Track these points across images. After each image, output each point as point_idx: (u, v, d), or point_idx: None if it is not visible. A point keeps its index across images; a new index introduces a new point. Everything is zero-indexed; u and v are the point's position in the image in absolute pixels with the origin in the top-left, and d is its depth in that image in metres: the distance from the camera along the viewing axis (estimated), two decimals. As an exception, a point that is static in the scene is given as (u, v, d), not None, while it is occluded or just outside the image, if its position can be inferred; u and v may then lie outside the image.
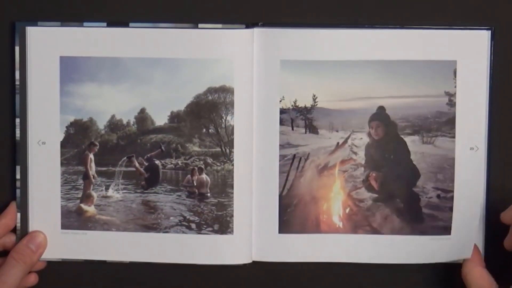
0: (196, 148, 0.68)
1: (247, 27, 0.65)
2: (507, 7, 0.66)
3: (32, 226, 0.67)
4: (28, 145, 0.66)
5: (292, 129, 0.67)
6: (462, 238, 0.67)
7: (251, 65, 0.65)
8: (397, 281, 0.69)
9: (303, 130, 0.67)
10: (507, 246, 0.64)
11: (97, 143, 0.67)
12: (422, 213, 0.67)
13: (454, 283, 0.68)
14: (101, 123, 0.67)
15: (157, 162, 0.68)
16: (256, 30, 0.65)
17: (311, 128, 0.67)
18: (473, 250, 0.66)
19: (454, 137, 0.66)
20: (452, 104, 0.66)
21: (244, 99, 0.66)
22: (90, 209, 0.68)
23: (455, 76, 0.65)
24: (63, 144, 0.67)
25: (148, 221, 0.67)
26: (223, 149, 0.67)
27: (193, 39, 0.65)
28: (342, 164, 0.67)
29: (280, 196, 0.67)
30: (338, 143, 0.67)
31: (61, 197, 0.67)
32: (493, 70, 0.66)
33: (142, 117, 0.67)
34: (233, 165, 0.66)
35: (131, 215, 0.68)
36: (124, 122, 0.67)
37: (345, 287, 0.68)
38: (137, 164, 0.68)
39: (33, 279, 0.67)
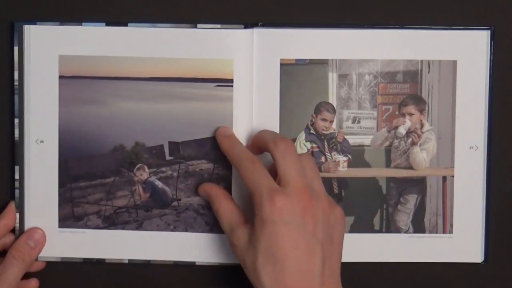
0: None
1: (246, 27, 0.65)
2: (507, 7, 0.66)
3: (30, 225, 0.67)
4: (26, 144, 0.66)
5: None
6: (464, 238, 0.67)
7: (251, 66, 0.65)
8: (398, 281, 0.68)
9: (303, 130, 0.67)
10: None
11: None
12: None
13: (454, 282, 0.68)
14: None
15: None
16: (256, 30, 0.65)
17: (311, 128, 0.68)
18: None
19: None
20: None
21: (243, 99, 0.66)
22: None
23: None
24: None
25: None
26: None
27: (192, 39, 0.65)
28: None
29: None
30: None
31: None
32: (492, 70, 0.65)
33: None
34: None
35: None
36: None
37: (345, 286, 0.68)
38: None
39: (34, 284, 0.67)
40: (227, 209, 0.62)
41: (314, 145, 0.67)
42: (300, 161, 0.59)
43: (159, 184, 0.67)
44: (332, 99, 0.66)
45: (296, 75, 0.66)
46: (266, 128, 0.65)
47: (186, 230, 0.67)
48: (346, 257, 0.67)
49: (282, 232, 0.56)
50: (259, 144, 0.62)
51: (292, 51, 0.66)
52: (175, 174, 0.67)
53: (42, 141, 0.66)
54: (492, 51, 0.65)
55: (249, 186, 0.59)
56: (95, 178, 0.67)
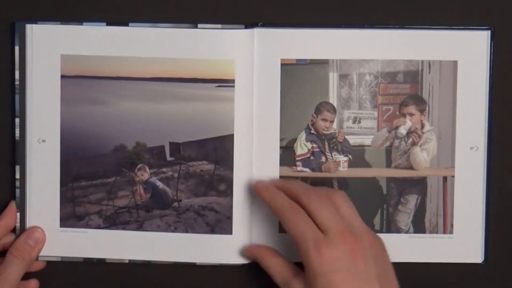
0: (196, 148, 0.68)
1: (247, 27, 0.65)
2: (507, 7, 0.66)
3: (31, 224, 0.67)
4: (28, 143, 0.66)
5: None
6: (464, 238, 0.67)
7: (252, 66, 0.66)
8: (398, 281, 0.68)
9: (303, 130, 0.68)
10: None
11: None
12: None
13: (454, 282, 0.68)
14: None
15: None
16: (256, 30, 0.65)
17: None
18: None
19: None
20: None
21: (244, 99, 0.66)
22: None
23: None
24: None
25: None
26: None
27: (192, 39, 0.65)
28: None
29: (280, 196, 0.67)
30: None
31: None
32: (493, 70, 0.66)
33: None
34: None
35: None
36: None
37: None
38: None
39: (34, 285, 0.67)
40: (278, 264, 0.63)
41: (315, 145, 0.67)
42: (334, 204, 0.60)
43: (160, 184, 0.67)
44: (333, 99, 0.67)
45: (296, 75, 0.66)
46: (266, 129, 0.66)
47: (187, 231, 0.67)
48: (347, 257, 0.67)
49: (336, 281, 0.56)
50: (290, 195, 0.62)
51: (293, 51, 0.66)
52: (175, 175, 0.67)
53: (44, 140, 0.67)
54: (492, 51, 0.66)
55: (293, 236, 0.59)
56: (97, 178, 0.67)
